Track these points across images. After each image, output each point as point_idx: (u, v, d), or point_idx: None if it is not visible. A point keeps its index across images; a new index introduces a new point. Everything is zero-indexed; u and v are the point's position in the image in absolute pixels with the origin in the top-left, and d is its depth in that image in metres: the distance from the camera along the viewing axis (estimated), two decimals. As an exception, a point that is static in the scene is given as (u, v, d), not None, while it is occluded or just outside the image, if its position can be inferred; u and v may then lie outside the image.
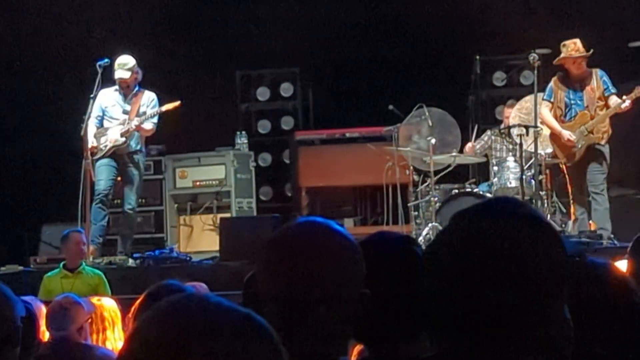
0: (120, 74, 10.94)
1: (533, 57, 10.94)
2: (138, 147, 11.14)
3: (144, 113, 11.06)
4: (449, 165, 11.54)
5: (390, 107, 11.88)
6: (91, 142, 10.90)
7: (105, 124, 11.11)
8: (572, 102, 10.77)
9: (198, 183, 12.81)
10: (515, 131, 11.18)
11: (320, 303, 2.07)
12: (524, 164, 10.92)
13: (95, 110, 10.97)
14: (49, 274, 9.63)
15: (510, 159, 11.44)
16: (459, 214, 1.69)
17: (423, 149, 11.56)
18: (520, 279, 1.59)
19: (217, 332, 1.30)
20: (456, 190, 11.27)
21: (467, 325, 1.61)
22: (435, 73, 13.21)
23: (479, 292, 1.60)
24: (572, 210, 11.08)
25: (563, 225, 11.32)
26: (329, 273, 2.08)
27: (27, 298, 4.49)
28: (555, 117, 10.79)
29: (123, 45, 11.74)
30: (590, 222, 10.79)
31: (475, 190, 11.35)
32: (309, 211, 12.65)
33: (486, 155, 12.02)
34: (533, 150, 10.82)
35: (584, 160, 10.71)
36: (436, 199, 11.22)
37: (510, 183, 11.22)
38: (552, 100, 10.82)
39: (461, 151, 11.74)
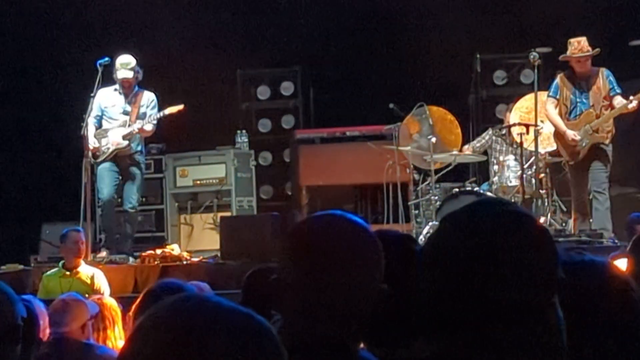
0: (124, 73, 10.91)
1: (533, 55, 10.93)
2: (139, 148, 11.15)
3: (144, 114, 11.04)
4: (450, 164, 11.53)
5: (391, 105, 11.88)
6: (92, 142, 10.88)
7: (105, 124, 11.08)
8: (578, 100, 10.75)
9: (198, 182, 12.82)
10: (515, 130, 11.18)
11: (338, 291, 2.11)
12: (524, 162, 10.92)
13: (94, 110, 10.96)
14: (48, 273, 9.63)
15: (511, 157, 11.43)
16: (449, 216, 1.69)
17: (424, 148, 11.56)
18: (511, 279, 1.59)
19: (217, 332, 1.30)
20: (456, 189, 11.27)
21: (461, 325, 1.61)
22: (436, 71, 13.20)
23: (471, 292, 1.60)
24: (573, 208, 11.08)
25: (563, 224, 11.33)
26: (349, 262, 2.12)
27: (27, 297, 4.50)
28: (560, 115, 10.76)
29: (123, 44, 11.74)
30: (591, 220, 10.79)
31: (475, 189, 11.34)
32: (310, 210, 12.64)
33: (486, 154, 12.01)
34: (533, 149, 10.82)
35: (587, 159, 10.69)
36: (436, 197, 11.22)
37: (511, 182, 11.22)
38: (557, 97, 10.78)
39: (461, 150, 11.74)
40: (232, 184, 12.68)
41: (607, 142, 10.66)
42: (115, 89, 11.08)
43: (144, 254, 10.89)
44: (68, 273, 9.42)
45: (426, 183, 11.47)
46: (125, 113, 11.04)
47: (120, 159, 11.01)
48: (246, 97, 14.48)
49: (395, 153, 11.51)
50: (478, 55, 13.63)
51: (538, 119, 10.87)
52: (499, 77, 13.81)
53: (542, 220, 10.26)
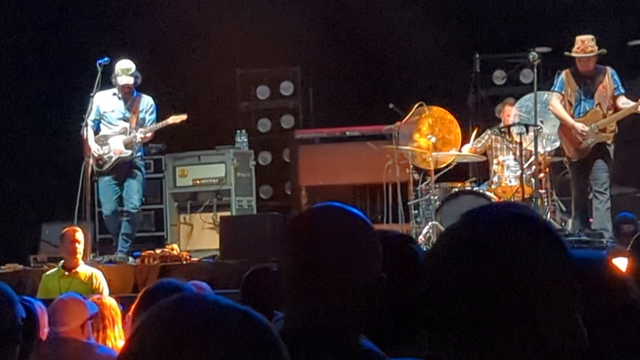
0: (124, 80, 10.90)
1: (533, 55, 10.93)
2: (139, 153, 11.17)
3: (143, 119, 11.05)
4: (450, 164, 11.53)
5: (391, 105, 11.88)
6: (96, 149, 10.89)
7: (104, 129, 11.06)
8: (582, 98, 10.73)
9: (198, 181, 12.82)
10: (515, 130, 11.18)
11: (337, 280, 2.12)
12: (524, 162, 10.92)
13: (93, 113, 10.96)
14: (48, 273, 9.63)
15: (510, 157, 11.43)
16: (467, 215, 1.70)
17: (423, 148, 11.56)
18: (516, 283, 1.59)
19: (216, 330, 1.31)
20: (456, 189, 11.27)
21: (463, 327, 1.61)
22: (435, 71, 13.21)
23: (475, 294, 1.60)
24: (573, 207, 11.08)
25: (563, 224, 11.32)
26: (347, 250, 2.14)
27: (27, 298, 4.50)
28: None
29: (123, 44, 11.74)
30: (591, 220, 10.79)
31: (475, 188, 11.34)
32: (309, 210, 12.62)
33: (486, 154, 12.01)
34: (533, 148, 10.82)
35: (590, 158, 10.69)
36: (436, 197, 11.21)
37: (510, 182, 11.21)
38: (562, 92, 10.76)
39: (461, 149, 11.74)
40: (231, 183, 12.68)
41: (610, 142, 10.66)
42: (114, 94, 11.06)
43: (143, 253, 10.90)
44: (67, 273, 9.41)
45: (426, 183, 11.47)
46: (125, 119, 11.03)
47: (122, 165, 11.02)
48: (246, 97, 14.49)
49: (395, 153, 11.51)
50: (478, 55, 13.62)
51: (538, 119, 10.87)
52: (499, 76, 13.81)
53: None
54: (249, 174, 13.00)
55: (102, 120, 11.07)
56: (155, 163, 12.78)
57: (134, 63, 11.02)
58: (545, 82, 11.63)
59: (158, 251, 10.94)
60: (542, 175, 11.14)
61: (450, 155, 11.46)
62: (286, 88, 14.44)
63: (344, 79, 13.71)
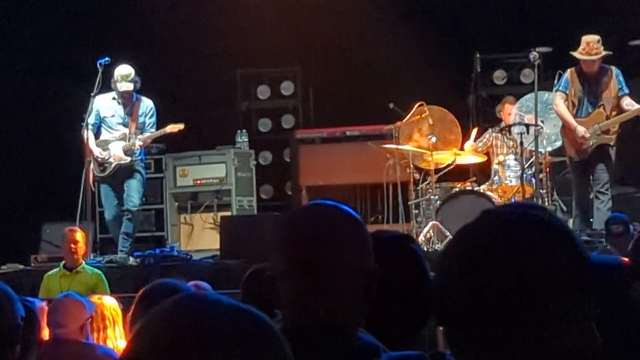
0: (124, 86, 10.91)
1: (533, 55, 10.92)
2: (140, 157, 11.18)
3: (143, 123, 11.06)
4: (450, 164, 11.53)
5: (391, 105, 11.88)
6: (98, 153, 10.93)
7: (104, 133, 11.08)
8: (586, 98, 10.71)
9: (199, 181, 12.82)
10: (516, 129, 11.18)
11: (332, 276, 2.13)
12: (524, 162, 10.92)
13: (92, 118, 10.97)
14: (50, 272, 9.65)
15: (511, 157, 11.43)
16: (482, 214, 1.70)
17: (423, 148, 11.56)
18: (529, 285, 1.59)
19: (219, 329, 1.31)
20: (456, 189, 11.27)
21: (474, 325, 1.61)
22: (436, 71, 13.20)
23: (487, 293, 1.60)
24: (574, 207, 11.07)
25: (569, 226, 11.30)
26: (340, 247, 2.15)
27: (28, 298, 4.49)
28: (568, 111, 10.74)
29: (122, 44, 11.73)
30: (591, 220, 10.79)
31: (475, 188, 11.34)
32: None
33: (487, 154, 12.01)
34: (534, 148, 10.82)
35: (592, 158, 10.68)
36: (436, 197, 11.21)
37: (511, 181, 11.21)
38: (567, 92, 10.74)
39: (461, 149, 11.74)
40: (232, 183, 12.68)
41: (612, 143, 10.65)
42: (114, 98, 11.07)
43: (143, 253, 10.91)
44: (68, 273, 9.44)
45: (426, 183, 11.47)
46: (125, 124, 11.05)
47: (122, 169, 11.04)
48: (246, 97, 14.49)
49: (396, 153, 11.51)
50: (478, 55, 13.62)
51: (538, 119, 10.87)
52: (499, 76, 13.80)
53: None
54: (249, 174, 13.01)
55: (102, 125, 11.08)
56: (155, 163, 12.77)
57: (134, 64, 11.03)
58: (546, 82, 11.62)
59: (158, 251, 10.98)
60: (542, 175, 11.14)
61: (450, 155, 11.46)
62: (286, 88, 14.44)
63: (344, 79, 13.70)
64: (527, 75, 13.35)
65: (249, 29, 13.52)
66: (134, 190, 11.05)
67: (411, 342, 2.49)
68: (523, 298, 1.59)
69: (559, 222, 1.69)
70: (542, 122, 11.07)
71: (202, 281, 5.90)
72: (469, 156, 11.80)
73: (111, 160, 10.97)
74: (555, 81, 11.08)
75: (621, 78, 10.62)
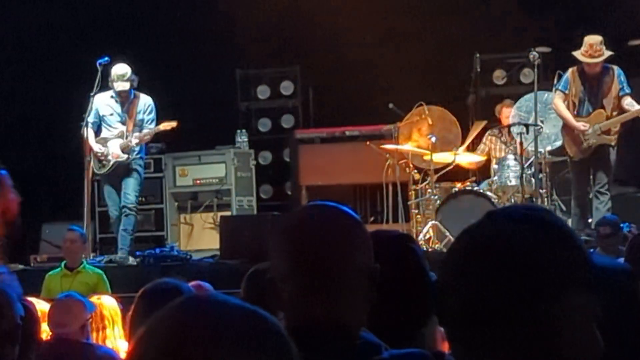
0: (121, 85, 10.98)
1: (533, 55, 10.92)
2: (140, 154, 11.20)
3: (142, 120, 11.09)
4: (450, 164, 11.53)
5: (391, 105, 11.88)
6: (98, 148, 10.97)
7: (104, 131, 11.14)
8: (586, 98, 10.70)
9: (198, 181, 12.82)
10: (515, 130, 11.18)
11: (334, 276, 2.14)
12: (524, 162, 10.92)
13: (92, 116, 11.02)
14: (51, 272, 9.66)
15: (510, 157, 11.43)
16: (486, 215, 1.70)
17: (423, 148, 11.56)
18: (530, 286, 1.60)
19: (225, 329, 1.31)
20: (456, 189, 11.27)
21: (475, 325, 1.61)
22: (435, 71, 13.20)
23: (489, 293, 1.60)
24: (572, 206, 11.07)
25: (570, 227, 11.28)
26: (340, 247, 2.16)
27: (30, 299, 4.50)
28: (568, 111, 10.73)
29: (122, 44, 11.73)
30: (590, 220, 10.78)
31: (475, 188, 11.34)
32: (309, 209, 12.61)
33: (486, 153, 12.02)
34: (533, 148, 10.82)
35: (592, 158, 10.68)
36: (436, 197, 11.21)
37: (510, 181, 11.21)
38: (566, 91, 10.72)
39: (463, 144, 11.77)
40: (232, 183, 12.68)
41: (613, 143, 10.65)
42: (112, 96, 11.14)
43: (143, 253, 10.91)
44: (69, 272, 9.45)
45: (426, 182, 11.47)
46: (123, 122, 11.09)
47: (120, 167, 11.07)
48: (246, 97, 14.49)
49: (395, 152, 11.51)
50: (478, 55, 13.62)
51: (538, 119, 10.87)
52: (499, 76, 13.80)
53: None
54: (249, 174, 13.01)
55: (102, 123, 11.14)
56: (155, 163, 12.78)
57: (133, 64, 11.07)
58: (546, 82, 11.62)
59: (158, 251, 10.97)
60: (541, 175, 11.14)
61: (450, 156, 11.46)
62: (286, 88, 14.44)
63: (344, 79, 13.70)
64: (527, 75, 13.34)
65: (249, 29, 13.52)
66: (130, 188, 11.09)
67: (411, 342, 2.49)
68: (525, 299, 1.59)
69: (561, 223, 1.69)
70: (542, 122, 11.07)
71: (203, 281, 5.91)
72: (468, 156, 11.80)
73: (110, 158, 11.01)
74: (555, 81, 11.08)
75: (623, 78, 10.61)
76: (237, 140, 13.23)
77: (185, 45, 13.59)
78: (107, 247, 11.85)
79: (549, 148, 11.32)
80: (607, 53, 10.53)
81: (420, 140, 11.72)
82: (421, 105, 11.68)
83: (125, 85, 10.97)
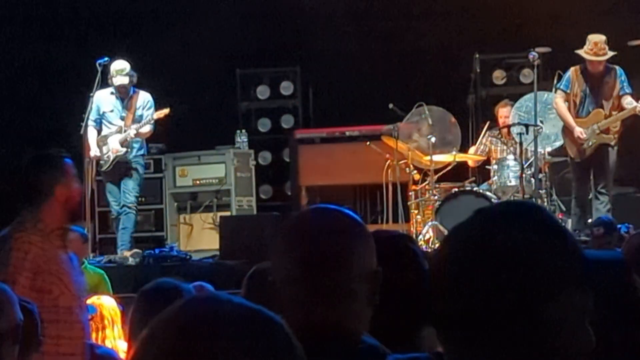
0: (120, 80, 10.99)
1: (533, 55, 10.92)
2: (140, 152, 11.20)
3: (141, 116, 11.11)
4: (449, 164, 11.54)
5: (391, 105, 11.87)
6: (94, 151, 10.99)
7: (104, 129, 11.18)
8: (587, 97, 10.70)
9: (198, 181, 12.82)
10: (515, 130, 11.18)
11: (337, 279, 2.14)
12: (523, 162, 10.92)
13: (93, 113, 11.05)
14: (52, 272, 9.64)
15: (510, 157, 11.44)
16: (474, 213, 1.69)
17: (423, 148, 11.56)
18: (521, 282, 1.59)
19: (230, 329, 1.30)
20: (456, 189, 11.27)
21: (467, 325, 1.61)
22: (435, 71, 13.20)
23: (480, 292, 1.59)
24: (572, 206, 11.07)
25: (563, 224, 11.29)
26: (344, 250, 2.16)
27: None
28: (568, 110, 10.72)
29: (122, 44, 11.73)
30: (590, 220, 10.78)
31: (475, 188, 11.35)
32: (309, 210, 12.62)
33: (487, 155, 12.03)
34: (533, 148, 10.82)
35: (592, 158, 10.67)
36: (436, 197, 11.22)
37: (510, 182, 11.22)
38: (568, 91, 10.72)
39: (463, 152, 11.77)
40: (231, 183, 12.68)
41: (613, 143, 10.64)
42: (112, 93, 11.17)
43: (143, 253, 10.90)
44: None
45: (426, 183, 11.47)
46: (122, 118, 11.11)
47: (121, 164, 11.08)
48: (246, 97, 14.49)
49: (395, 153, 11.51)
50: (477, 55, 13.62)
51: (538, 119, 10.86)
52: (499, 76, 13.80)
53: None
54: (248, 174, 13.01)
55: (103, 120, 11.17)
56: (155, 163, 12.77)
57: (132, 63, 11.08)
58: (545, 82, 11.62)
59: (158, 251, 10.97)
60: (541, 175, 11.14)
61: (450, 156, 11.47)
62: (286, 88, 14.44)
63: (344, 79, 13.70)
64: (527, 76, 13.34)
65: (248, 29, 13.52)
66: (128, 188, 11.13)
67: (411, 343, 2.49)
68: (516, 297, 1.58)
69: (553, 220, 1.68)
70: (542, 122, 11.07)
71: (203, 282, 5.90)
72: (467, 156, 11.81)
73: (109, 153, 11.02)
74: (555, 81, 11.08)
75: (624, 78, 10.62)
76: (237, 140, 13.23)
77: (185, 45, 13.58)
78: (106, 247, 11.84)
79: (548, 148, 11.33)
80: (611, 53, 10.53)
81: (420, 141, 11.73)
82: (421, 105, 11.68)
83: (124, 80, 10.99)
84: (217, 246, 11.14)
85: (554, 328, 1.58)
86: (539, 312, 1.57)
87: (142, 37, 13.04)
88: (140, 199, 11.51)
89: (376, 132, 12.53)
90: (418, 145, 11.70)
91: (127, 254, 10.95)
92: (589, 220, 10.77)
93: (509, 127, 11.44)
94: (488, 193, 11.09)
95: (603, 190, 10.63)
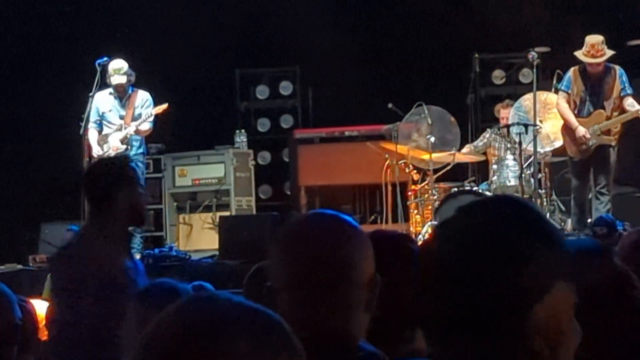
0: (117, 79, 11.02)
1: (532, 55, 10.92)
2: (140, 151, 11.21)
3: (140, 114, 11.12)
4: (449, 164, 11.54)
5: (390, 105, 11.88)
6: (96, 150, 11.02)
7: (105, 129, 11.22)
8: (588, 98, 10.69)
9: (197, 181, 12.82)
10: (514, 130, 11.18)
11: (335, 286, 2.13)
12: (523, 162, 10.92)
13: (93, 114, 11.07)
14: (53, 272, 9.64)
15: (510, 157, 11.44)
16: (456, 211, 1.68)
17: (422, 147, 11.56)
18: (505, 278, 1.57)
19: (230, 328, 1.30)
20: (455, 189, 11.27)
21: (454, 325, 1.60)
22: (435, 71, 13.20)
23: (464, 290, 1.58)
24: (572, 205, 11.07)
25: (562, 224, 11.32)
26: (342, 257, 2.15)
27: (31, 300, 4.48)
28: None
29: (121, 44, 11.73)
30: (590, 220, 10.78)
31: (474, 188, 11.35)
32: (308, 210, 12.64)
33: (485, 154, 12.02)
34: (532, 148, 10.81)
35: (592, 159, 10.66)
36: (436, 197, 11.22)
37: (510, 181, 11.22)
38: (569, 91, 10.71)
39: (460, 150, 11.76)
40: (231, 183, 12.68)
41: (614, 144, 10.63)
42: (111, 93, 11.20)
43: (142, 253, 10.89)
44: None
45: (425, 183, 11.47)
46: (122, 117, 11.14)
47: None
48: (245, 97, 14.49)
49: (395, 152, 11.51)
50: (477, 55, 13.62)
51: (537, 119, 10.86)
52: (498, 76, 13.80)
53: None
54: (248, 174, 13.01)
55: (103, 121, 11.20)
56: (154, 163, 12.78)
57: (131, 62, 11.09)
58: (545, 82, 11.62)
59: (157, 251, 10.95)
60: (541, 175, 11.14)
61: (449, 155, 11.46)
62: (286, 88, 14.44)
63: (344, 79, 13.70)
64: (526, 75, 13.35)
65: (248, 29, 13.52)
66: None
67: (411, 343, 2.48)
68: (504, 293, 1.56)
69: (538, 216, 1.66)
70: (541, 122, 11.07)
71: (202, 282, 5.89)
72: (467, 156, 11.81)
73: (110, 152, 11.04)
74: (554, 81, 11.07)
75: (624, 78, 10.60)
76: (236, 140, 13.23)
77: (185, 45, 13.58)
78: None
79: (548, 148, 11.32)
80: (609, 52, 10.51)
81: (420, 140, 11.73)
82: (420, 104, 11.69)
83: (122, 79, 11.02)
84: (216, 246, 11.14)
85: (543, 324, 1.57)
86: (527, 309, 1.56)
87: (142, 36, 13.04)
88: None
89: (375, 132, 12.54)
90: (417, 145, 11.70)
91: None
92: (589, 221, 10.77)
93: (508, 127, 11.44)
94: (487, 193, 11.09)
95: (603, 191, 10.62)
